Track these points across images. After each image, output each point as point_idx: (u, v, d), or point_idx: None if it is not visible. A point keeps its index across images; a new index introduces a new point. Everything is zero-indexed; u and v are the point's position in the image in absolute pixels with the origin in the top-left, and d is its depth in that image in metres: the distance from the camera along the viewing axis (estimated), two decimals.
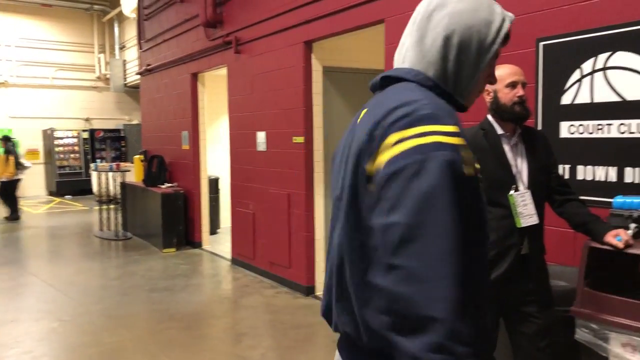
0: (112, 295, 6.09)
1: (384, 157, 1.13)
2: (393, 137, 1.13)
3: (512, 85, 2.51)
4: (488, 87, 2.58)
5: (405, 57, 1.36)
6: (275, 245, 6.34)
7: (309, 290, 5.89)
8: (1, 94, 15.98)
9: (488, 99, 2.59)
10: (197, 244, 8.51)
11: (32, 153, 16.55)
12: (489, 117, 2.59)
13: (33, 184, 16.49)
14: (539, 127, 3.43)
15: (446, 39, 1.27)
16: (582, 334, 2.50)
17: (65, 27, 16.89)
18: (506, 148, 2.54)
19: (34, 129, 16.44)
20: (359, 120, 1.31)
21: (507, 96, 2.51)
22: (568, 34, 3.31)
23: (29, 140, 16.41)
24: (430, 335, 1.03)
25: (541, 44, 3.45)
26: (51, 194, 16.47)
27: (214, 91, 9.20)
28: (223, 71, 7.62)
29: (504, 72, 2.55)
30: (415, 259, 1.05)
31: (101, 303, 5.75)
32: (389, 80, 1.34)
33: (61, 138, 16.23)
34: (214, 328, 4.77)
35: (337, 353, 1.39)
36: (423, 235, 1.05)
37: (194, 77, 8.47)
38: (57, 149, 16.13)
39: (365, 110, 1.31)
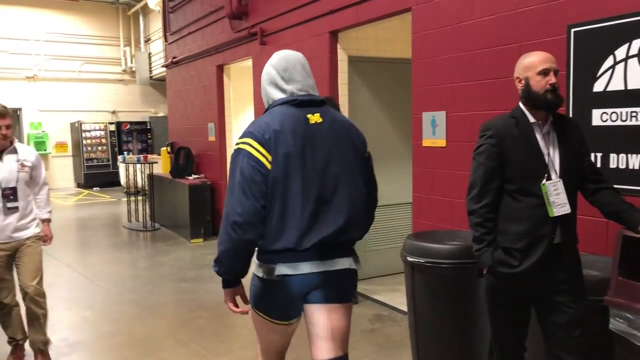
0: (141, 285, 6.20)
1: (368, 151, 2.59)
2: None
3: (544, 72, 2.48)
4: (519, 74, 2.55)
5: (314, 88, 2.53)
6: None
7: None
8: (30, 87, 16.27)
9: (519, 86, 2.56)
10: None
11: (61, 146, 16.85)
12: (521, 105, 2.56)
13: (62, 176, 16.82)
14: (570, 115, 3.38)
15: None
16: (616, 324, 2.47)
17: (91, 21, 17.10)
18: (538, 136, 2.51)
19: (63, 122, 16.72)
20: (317, 121, 2.39)
21: (539, 84, 2.48)
22: (600, 20, 3.25)
23: (57, 133, 16.70)
24: None
25: (572, 30, 3.39)
26: (79, 186, 16.77)
27: (240, 83, 9.24)
28: (248, 63, 7.65)
29: (536, 59, 2.52)
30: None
31: (131, 293, 5.86)
32: (323, 100, 2.50)
33: (89, 131, 16.49)
34: (242, 317, 4.79)
35: (339, 259, 2.38)
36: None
37: (220, 69, 8.52)
38: (85, 142, 16.39)
39: (318, 116, 2.40)
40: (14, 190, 3.80)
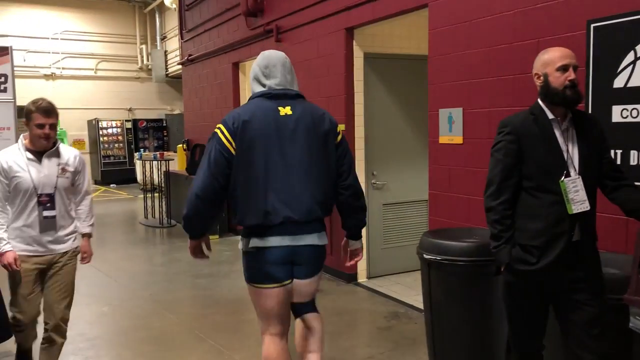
0: (158, 280, 6.25)
1: (339, 135, 2.86)
2: (340, 127, 2.85)
3: (563, 68, 2.45)
4: (538, 71, 2.53)
5: (292, 84, 2.86)
6: None
7: (351, 278, 5.91)
8: (48, 86, 16.45)
9: (538, 83, 2.53)
10: (240, 231, 8.62)
11: (78, 143, 17.02)
12: (539, 101, 2.54)
13: None
14: (590, 112, 3.34)
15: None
16: (636, 322, 2.45)
17: (108, 19, 17.24)
18: (557, 133, 2.49)
19: (80, 119, 16.89)
20: (287, 113, 2.74)
21: (558, 80, 2.45)
22: (621, 15, 3.20)
23: (75, 130, 16.87)
24: None
25: (592, 25, 3.35)
26: (96, 182, 16.92)
27: None
28: None
29: (554, 55, 2.49)
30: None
31: (148, 288, 5.91)
32: (298, 94, 2.84)
33: (106, 128, 16.64)
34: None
35: (305, 236, 2.74)
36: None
37: (235, 66, 8.54)
38: (102, 139, 16.54)
39: (289, 108, 2.74)
40: (51, 197, 3.33)
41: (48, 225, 3.35)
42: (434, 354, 3.72)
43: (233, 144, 2.66)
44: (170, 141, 16.82)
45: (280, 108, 2.72)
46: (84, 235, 3.66)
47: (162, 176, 10.19)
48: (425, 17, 4.73)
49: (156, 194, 10.26)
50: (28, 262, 3.33)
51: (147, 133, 17.06)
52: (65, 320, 3.48)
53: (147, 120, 17.30)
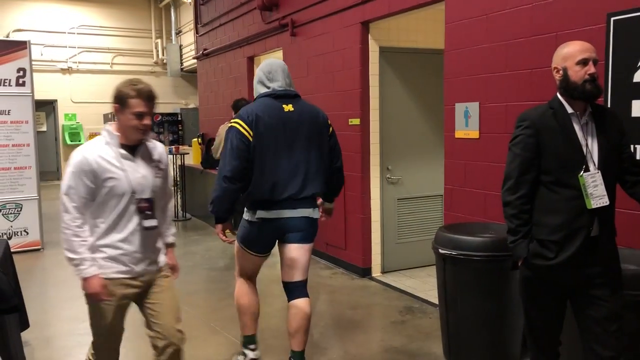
0: None
1: (330, 128, 3.52)
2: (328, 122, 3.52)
3: (583, 62, 2.42)
4: (557, 65, 2.50)
5: (290, 86, 3.45)
6: (331, 227, 6.37)
7: (365, 272, 5.91)
8: (65, 80, 16.59)
9: (557, 77, 2.51)
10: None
11: (95, 137, 17.11)
12: (558, 95, 2.52)
13: None
14: (609, 106, 3.30)
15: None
16: None
17: (123, 14, 17.32)
18: (576, 127, 2.46)
19: (96, 113, 16.99)
20: (290, 109, 3.35)
21: (577, 74, 2.42)
22: None
23: (91, 124, 17.01)
24: None
25: (612, 19, 3.31)
26: None
27: None
28: (279, 54, 7.66)
29: (574, 49, 2.46)
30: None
31: None
32: (296, 94, 3.44)
33: None
34: (272, 307, 4.86)
35: (302, 209, 3.37)
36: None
37: (250, 60, 8.55)
38: None
39: (290, 106, 3.34)
40: (150, 202, 2.64)
41: (149, 238, 2.68)
42: (448, 348, 3.71)
43: (250, 132, 3.25)
44: (185, 135, 16.87)
45: (284, 106, 3.35)
46: (168, 245, 2.93)
47: (178, 170, 10.24)
48: (441, 11, 4.70)
49: (173, 188, 10.30)
50: (121, 287, 2.65)
51: (163, 127, 17.12)
52: (184, 341, 2.83)
53: (162, 115, 17.35)
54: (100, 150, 2.61)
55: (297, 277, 3.48)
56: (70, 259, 2.54)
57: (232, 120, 3.35)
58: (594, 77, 2.41)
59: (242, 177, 3.25)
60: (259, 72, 3.46)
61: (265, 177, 3.28)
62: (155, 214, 2.68)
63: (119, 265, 2.62)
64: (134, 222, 2.61)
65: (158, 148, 2.82)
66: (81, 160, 2.56)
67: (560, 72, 2.48)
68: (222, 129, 7.15)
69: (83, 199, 2.54)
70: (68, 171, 2.56)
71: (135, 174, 2.62)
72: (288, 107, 3.34)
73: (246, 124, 3.25)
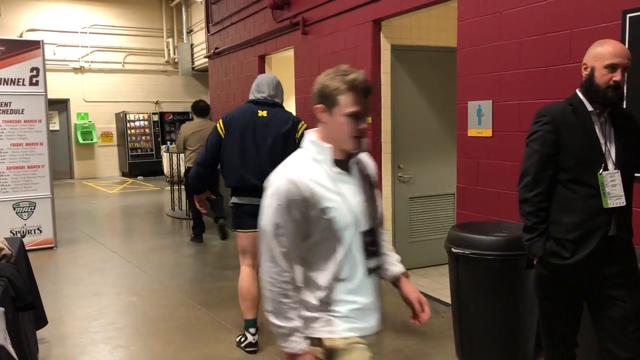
0: (185, 271, 6.32)
1: (300, 132, 4.08)
2: (301, 125, 4.14)
3: (612, 67, 2.36)
4: (588, 62, 2.45)
5: (274, 96, 4.15)
6: None
7: None
8: (77, 79, 16.71)
9: (584, 73, 2.45)
10: None
11: (106, 135, 17.27)
12: (578, 92, 2.48)
13: (107, 165, 17.27)
14: (624, 106, 3.25)
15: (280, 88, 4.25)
16: None
17: (135, 13, 17.40)
18: (595, 126, 2.43)
19: (108, 112, 17.12)
20: (263, 114, 4.03)
21: (603, 78, 2.37)
22: None
23: (103, 123, 17.12)
24: None
25: (628, 16, 3.27)
26: (124, 174, 17.17)
27: (281, 73, 9.22)
28: (290, 53, 7.66)
29: (606, 50, 2.39)
30: None
31: (176, 279, 5.97)
32: (275, 103, 4.13)
33: (133, 121, 16.86)
34: None
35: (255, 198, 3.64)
36: None
37: (261, 59, 8.56)
38: (129, 132, 16.77)
39: (265, 112, 4.05)
40: (373, 235, 1.95)
41: (376, 282, 1.99)
42: (461, 348, 3.69)
43: (223, 130, 4.01)
44: None
45: (259, 111, 4.04)
46: (403, 275, 2.21)
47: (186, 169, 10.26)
48: (453, 8, 4.67)
49: (182, 186, 10.34)
50: (356, 351, 1.92)
51: (174, 126, 17.21)
52: None
53: (174, 114, 17.46)
54: (309, 171, 1.87)
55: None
56: (278, 327, 1.87)
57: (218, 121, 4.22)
58: (618, 85, 2.36)
59: (210, 164, 4.09)
60: (253, 83, 4.23)
61: (233, 168, 3.98)
62: (379, 250, 2.02)
63: (348, 323, 1.92)
64: (360, 265, 1.91)
65: (366, 159, 2.05)
66: (288, 188, 1.83)
67: (588, 69, 2.43)
68: (184, 127, 7.83)
69: (294, 240, 1.86)
70: (271, 204, 1.87)
71: (355, 199, 1.91)
72: (262, 113, 4.03)
73: (223, 124, 4.04)
